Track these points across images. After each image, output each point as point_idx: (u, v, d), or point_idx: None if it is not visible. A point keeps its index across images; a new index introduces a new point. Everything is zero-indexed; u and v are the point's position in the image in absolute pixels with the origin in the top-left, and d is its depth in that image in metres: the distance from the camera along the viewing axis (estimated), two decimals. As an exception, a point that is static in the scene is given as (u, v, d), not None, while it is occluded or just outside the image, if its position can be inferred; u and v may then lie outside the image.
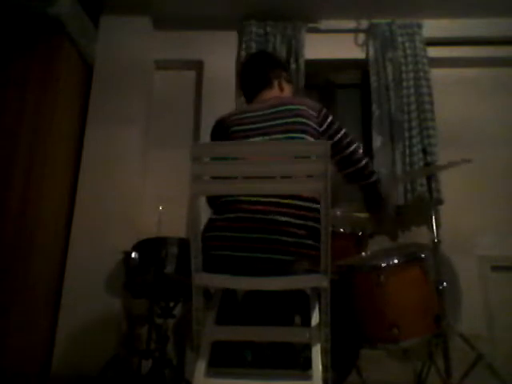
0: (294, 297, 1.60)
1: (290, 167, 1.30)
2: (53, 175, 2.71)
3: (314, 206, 1.48)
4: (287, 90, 1.88)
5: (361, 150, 1.80)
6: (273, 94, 1.81)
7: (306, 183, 1.32)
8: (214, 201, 1.58)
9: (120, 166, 2.93)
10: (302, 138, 1.56)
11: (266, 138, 1.57)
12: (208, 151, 1.31)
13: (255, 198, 1.44)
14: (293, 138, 1.56)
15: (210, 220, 1.51)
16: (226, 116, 1.73)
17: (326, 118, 1.69)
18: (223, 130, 1.68)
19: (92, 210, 2.83)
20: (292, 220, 1.44)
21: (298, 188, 1.39)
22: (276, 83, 1.84)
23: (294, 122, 1.59)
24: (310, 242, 1.45)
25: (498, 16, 3.19)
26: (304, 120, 1.61)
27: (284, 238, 1.42)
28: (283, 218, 1.43)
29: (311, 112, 1.65)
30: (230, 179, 1.31)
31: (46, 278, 2.62)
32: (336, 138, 1.69)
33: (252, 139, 1.58)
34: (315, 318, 1.35)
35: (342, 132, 1.71)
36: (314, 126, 1.63)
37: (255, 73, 1.88)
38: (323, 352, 1.31)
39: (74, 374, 2.49)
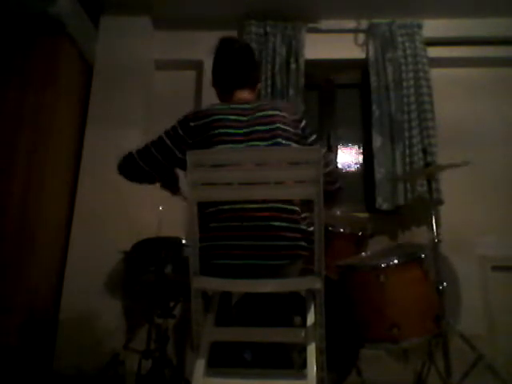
0: (291, 298, 1.62)
1: (285, 173, 1.35)
2: (53, 175, 2.72)
3: (304, 210, 1.58)
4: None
5: (331, 156, 1.85)
6: (251, 95, 1.80)
7: (300, 188, 1.35)
8: (204, 209, 1.53)
9: (120, 166, 2.93)
10: (288, 145, 1.60)
11: (252, 143, 1.57)
12: (206, 158, 1.34)
13: (249, 206, 1.47)
14: (278, 143, 1.58)
15: (206, 229, 1.49)
16: (208, 112, 1.65)
17: (301, 121, 1.72)
18: (205, 126, 1.62)
19: (92, 209, 2.83)
20: (286, 224, 1.48)
21: (293, 193, 1.43)
22: (257, 86, 1.85)
23: (277, 128, 1.61)
24: (303, 243, 1.51)
25: (498, 16, 3.19)
26: (285, 127, 1.63)
27: (280, 243, 1.46)
28: (277, 223, 1.47)
29: (292, 117, 1.68)
30: (227, 185, 1.35)
31: (46, 278, 2.63)
32: (308, 142, 1.72)
33: (237, 145, 1.57)
34: (310, 319, 1.38)
35: (314, 137, 1.74)
36: (294, 131, 1.66)
37: (246, 65, 1.81)
38: (318, 352, 1.33)
39: (74, 374, 2.49)
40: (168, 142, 1.66)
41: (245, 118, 1.63)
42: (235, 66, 1.78)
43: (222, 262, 1.46)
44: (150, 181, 1.78)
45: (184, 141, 1.63)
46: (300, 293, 1.62)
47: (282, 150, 1.52)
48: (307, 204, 1.55)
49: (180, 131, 1.65)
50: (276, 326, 1.53)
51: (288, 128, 1.64)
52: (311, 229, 1.50)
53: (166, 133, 1.69)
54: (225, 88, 1.80)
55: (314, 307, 1.40)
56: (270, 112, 1.65)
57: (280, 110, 1.66)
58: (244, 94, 1.77)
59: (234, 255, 1.45)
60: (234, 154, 1.40)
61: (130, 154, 1.73)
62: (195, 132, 1.63)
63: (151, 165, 1.68)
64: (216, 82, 1.84)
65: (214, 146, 1.57)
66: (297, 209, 1.54)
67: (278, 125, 1.61)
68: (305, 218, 1.58)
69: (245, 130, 1.60)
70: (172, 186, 1.85)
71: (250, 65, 1.83)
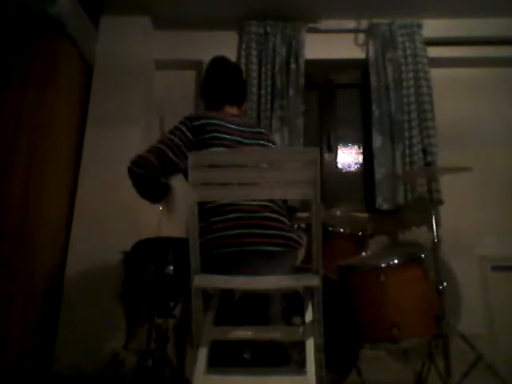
0: (290, 297, 1.66)
1: (283, 174, 1.38)
2: (53, 175, 2.72)
3: (283, 205, 1.75)
4: None
5: None
6: (238, 111, 1.92)
7: (297, 188, 1.38)
8: (202, 205, 1.61)
9: (120, 165, 2.92)
10: None
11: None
12: (206, 159, 1.37)
13: (245, 202, 1.57)
14: None
15: (205, 223, 1.58)
16: (206, 115, 1.76)
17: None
18: (202, 127, 1.70)
19: (92, 209, 2.83)
20: (276, 216, 1.61)
21: (290, 193, 1.47)
22: (243, 106, 1.98)
23: (266, 146, 1.82)
24: (293, 235, 1.63)
25: (497, 16, 3.19)
26: (270, 144, 1.86)
27: (273, 232, 1.57)
28: (268, 214, 1.59)
29: (271, 137, 1.96)
30: (227, 185, 1.38)
31: (46, 278, 2.63)
32: None
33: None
34: (309, 317, 1.40)
35: None
36: None
37: (240, 85, 1.95)
38: (317, 349, 1.35)
39: (74, 374, 2.49)
40: (176, 140, 1.70)
41: (238, 127, 1.77)
42: (230, 82, 1.91)
43: (221, 251, 1.52)
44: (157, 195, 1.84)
45: (189, 139, 1.70)
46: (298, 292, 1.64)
47: (280, 151, 1.61)
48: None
49: (185, 130, 1.71)
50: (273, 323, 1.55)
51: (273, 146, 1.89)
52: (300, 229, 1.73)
53: (172, 133, 1.72)
54: (215, 101, 1.89)
55: (312, 305, 1.41)
56: (262, 130, 1.89)
57: (265, 130, 1.97)
58: (233, 110, 1.89)
59: (231, 244, 1.52)
60: (234, 154, 1.43)
61: (144, 157, 1.70)
62: (196, 131, 1.70)
63: (165, 166, 1.67)
64: (207, 95, 1.93)
65: (207, 147, 1.66)
66: (280, 204, 1.71)
67: (268, 143, 1.83)
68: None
69: (238, 139, 1.73)
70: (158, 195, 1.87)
71: (243, 84, 1.98)
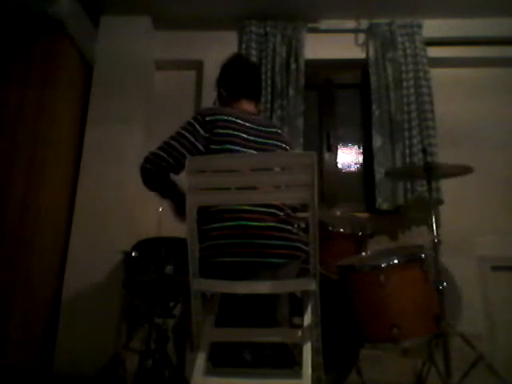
0: (290, 299, 1.65)
1: (280, 178, 1.39)
2: (53, 175, 2.72)
3: (293, 214, 1.71)
4: None
5: None
6: (255, 108, 1.89)
7: (294, 192, 1.37)
8: (206, 209, 1.59)
9: (120, 165, 2.93)
10: None
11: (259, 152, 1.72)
12: (204, 164, 1.37)
13: (247, 207, 1.54)
14: None
15: (204, 230, 1.54)
16: (219, 110, 1.74)
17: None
18: (215, 122, 1.68)
19: (92, 210, 2.83)
20: (281, 225, 1.57)
21: (287, 197, 1.46)
22: (259, 104, 1.96)
23: (280, 146, 1.79)
24: (298, 244, 1.59)
25: (497, 16, 3.19)
26: (284, 145, 1.82)
27: (277, 242, 1.53)
28: (272, 224, 1.55)
29: (286, 138, 1.92)
30: (224, 190, 1.37)
31: (46, 278, 2.63)
32: None
33: (247, 150, 1.67)
34: (307, 319, 1.40)
35: None
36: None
37: (259, 82, 1.95)
38: (314, 351, 1.35)
39: (74, 374, 2.49)
40: (188, 135, 1.67)
41: (253, 126, 1.74)
42: (250, 76, 1.90)
43: (221, 259, 1.50)
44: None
45: (201, 135, 1.67)
46: (296, 294, 1.65)
47: (276, 156, 1.59)
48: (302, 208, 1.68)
49: (197, 125, 1.68)
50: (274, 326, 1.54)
51: (287, 147, 1.84)
52: (300, 228, 1.65)
53: (184, 128, 1.70)
54: (233, 92, 1.86)
55: (309, 308, 1.41)
56: (277, 130, 1.85)
57: (280, 129, 1.88)
58: (250, 106, 1.86)
59: (233, 253, 1.49)
60: (232, 160, 1.43)
61: (156, 154, 1.67)
62: (208, 126, 1.67)
63: (176, 162, 1.65)
64: (227, 86, 1.88)
65: (221, 144, 1.63)
66: (289, 211, 1.65)
67: (283, 144, 1.79)
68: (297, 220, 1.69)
69: (253, 138, 1.70)
70: (181, 205, 1.80)
71: (260, 83, 1.98)
